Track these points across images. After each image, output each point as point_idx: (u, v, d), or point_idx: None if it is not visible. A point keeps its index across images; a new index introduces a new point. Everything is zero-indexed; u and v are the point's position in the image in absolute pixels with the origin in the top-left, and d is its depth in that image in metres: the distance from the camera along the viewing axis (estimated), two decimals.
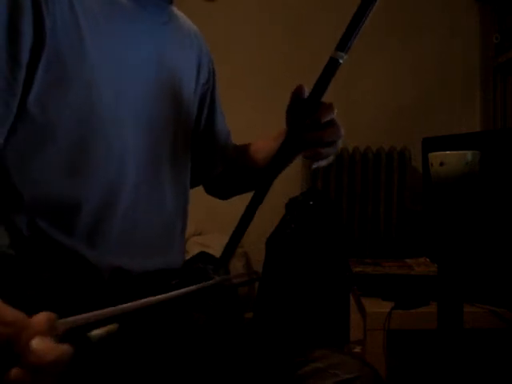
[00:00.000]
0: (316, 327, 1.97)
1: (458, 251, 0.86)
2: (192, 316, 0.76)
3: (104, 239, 0.75)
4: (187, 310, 0.74)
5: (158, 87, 0.83)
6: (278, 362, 0.83)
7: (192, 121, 0.96)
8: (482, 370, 1.58)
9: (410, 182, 2.59)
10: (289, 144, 0.81)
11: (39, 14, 0.66)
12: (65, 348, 0.43)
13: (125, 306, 0.52)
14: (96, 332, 0.48)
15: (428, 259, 1.91)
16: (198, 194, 1.04)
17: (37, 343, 0.42)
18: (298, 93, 0.82)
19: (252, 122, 2.46)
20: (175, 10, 0.93)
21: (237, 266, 2.36)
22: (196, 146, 0.97)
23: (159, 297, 0.57)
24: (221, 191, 1.14)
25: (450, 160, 0.85)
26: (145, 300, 0.55)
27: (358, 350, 1.85)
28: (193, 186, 0.99)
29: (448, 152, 0.86)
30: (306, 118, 0.80)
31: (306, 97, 0.81)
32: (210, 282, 0.68)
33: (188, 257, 0.93)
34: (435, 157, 0.86)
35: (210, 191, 1.14)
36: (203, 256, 0.82)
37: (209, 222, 2.48)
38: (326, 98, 0.81)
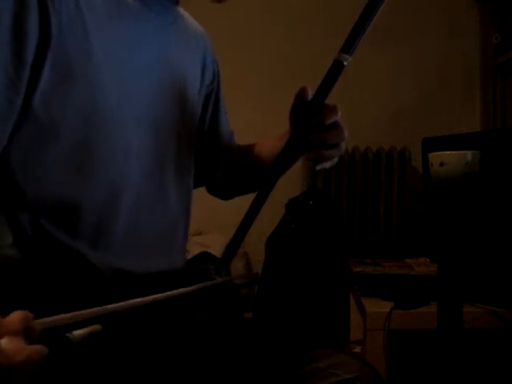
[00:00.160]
0: (316, 327, 1.97)
1: (458, 251, 0.86)
2: (194, 316, 0.76)
3: (107, 240, 0.74)
4: (189, 310, 0.75)
5: (163, 87, 0.83)
6: (278, 362, 0.83)
7: (196, 121, 0.95)
8: (482, 370, 1.58)
9: (410, 182, 2.59)
10: (292, 146, 0.81)
11: (45, 11, 0.66)
12: (37, 348, 0.42)
13: (109, 306, 0.51)
14: (77, 332, 0.47)
15: (428, 259, 1.91)
16: (198, 194, 1.04)
17: (5, 343, 0.41)
18: (301, 94, 0.82)
19: (252, 122, 2.46)
20: (181, 10, 0.93)
21: (237, 266, 2.36)
22: (200, 146, 0.97)
23: (152, 297, 0.57)
24: (223, 191, 1.14)
25: (450, 160, 0.85)
26: (134, 300, 0.54)
27: (358, 350, 1.85)
28: (196, 186, 0.99)
29: (448, 152, 0.86)
30: (310, 119, 0.80)
31: (309, 99, 0.81)
32: (212, 282, 0.68)
33: (188, 257, 0.93)
34: (435, 157, 0.86)
35: (213, 191, 1.14)
36: (205, 256, 0.82)
37: (209, 221, 2.48)
38: (328, 98, 0.81)
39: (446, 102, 2.70)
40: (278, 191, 0.82)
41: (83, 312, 0.48)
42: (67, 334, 0.47)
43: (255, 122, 2.49)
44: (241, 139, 1.13)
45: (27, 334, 0.43)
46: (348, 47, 0.78)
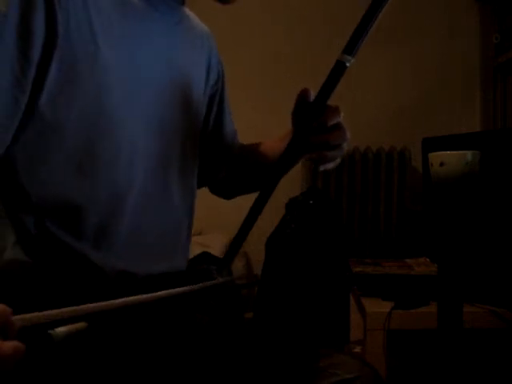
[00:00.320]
0: (316, 327, 1.97)
1: (458, 251, 0.86)
2: (195, 317, 0.76)
3: (110, 241, 0.74)
4: (190, 310, 0.74)
5: (168, 88, 0.82)
6: (278, 362, 0.83)
7: (200, 122, 0.95)
8: (482, 370, 1.58)
9: (410, 182, 2.58)
10: (294, 147, 0.81)
11: (52, 9, 0.65)
12: (11, 345, 0.41)
13: (94, 304, 0.50)
14: (60, 330, 0.46)
15: (428, 259, 1.90)
16: (198, 194, 1.04)
17: None
18: (303, 95, 0.82)
19: (252, 122, 2.45)
20: (187, 10, 0.93)
21: (237, 266, 2.36)
22: (204, 146, 0.97)
23: (143, 296, 0.57)
24: (226, 191, 1.14)
25: (450, 160, 0.85)
26: (122, 299, 0.54)
27: (358, 350, 1.85)
28: (199, 186, 0.99)
29: (448, 152, 0.86)
30: (313, 121, 0.80)
31: (311, 100, 0.81)
32: (213, 282, 0.68)
33: (189, 257, 0.93)
34: (435, 157, 0.86)
35: (215, 191, 1.14)
36: (206, 256, 0.82)
37: (209, 221, 2.48)
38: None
39: (446, 101, 2.70)
40: (278, 191, 0.83)
41: (66, 309, 0.47)
42: (49, 331, 0.46)
43: (255, 121, 2.49)
44: (241, 139, 1.13)
45: (3, 329, 0.42)
46: (350, 48, 0.78)
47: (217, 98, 1.02)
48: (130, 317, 0.69)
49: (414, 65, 2.71)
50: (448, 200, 0.86)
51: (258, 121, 2.50)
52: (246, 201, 0.81)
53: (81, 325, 0.48)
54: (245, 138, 1.12)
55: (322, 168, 0.86)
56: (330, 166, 0.87)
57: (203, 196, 1.15)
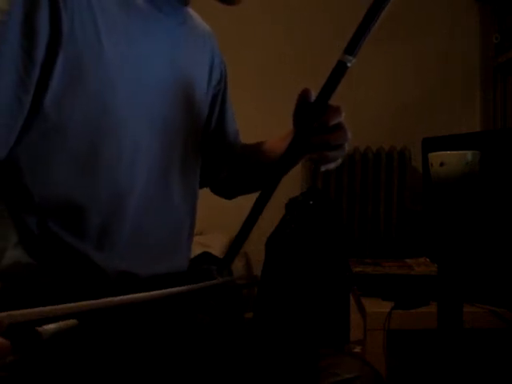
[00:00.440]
0: (316, 327, 1.97)
1: (458, 251, 0.86)
2: (196, 317, 0.76)
3: (112, 241, 0.74)
4: (191, 310, 0.74)
5: (172, 88, 0.83)
6: (278, 362, 0.83)
7: (203, 122, 0.95)
8: (482, 370, 1.58)
9: (410, 182, 2.59)
10: (295, 147, 0.81)
11: (56, 8, 0.65)
12: None
13: (86, 302, 0.50)
14: (49, 327, 0.46)
15: (428, 259, 1.91)
16: (199, 194, 1.04)
17: None
18: (304, 96, 0.82)
19: (253, 122, 2.45)
20: (191, 10, 0.93)
21: (237, 266, 2.36)
22: (206, 146, 0.97)
23: (134, 296, 0.57)
24: (227, 191, 1.14)
25: (450, 160, 0.85)
26: (115, 298, 0.54)
27: (358, 350, 1.85)
28: (201, 186, 0.99)
29: (448, 152, 0.86)
30: (314, 121, 0.80)
31: (312, 100, 0.81)
32: (214, 282, 0.67)
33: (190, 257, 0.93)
34: (435, 157, 0.86)
35: (217, 191, 1.14)
36: (206, 256, 0.82)
37: (210, 221, 2.48)
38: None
39: (446, 101, 2.70)
40: (278, 191, 0.83)
41: (55, 307, 0.47)
42: (37, 328, 0.45)
43: (256, 121, 2.49)
44: (241, 139, 1.13)
45: None
46: (352, 49, 0.78)
47: (219, 97, 1.02)
48: (129, 316, 0.69)
49: (414, 65, 2.71)
50: (448, 200, 0.86)
51: (259, 121, 2.50)
52: (247, 201, 0.81)
53: (71, 322, 0.48)
54: (245, 137, 1.12)
55: (323, 168, 0.86)
56: (331, 166, 0.87)
57: (204, 196, 1.15)
